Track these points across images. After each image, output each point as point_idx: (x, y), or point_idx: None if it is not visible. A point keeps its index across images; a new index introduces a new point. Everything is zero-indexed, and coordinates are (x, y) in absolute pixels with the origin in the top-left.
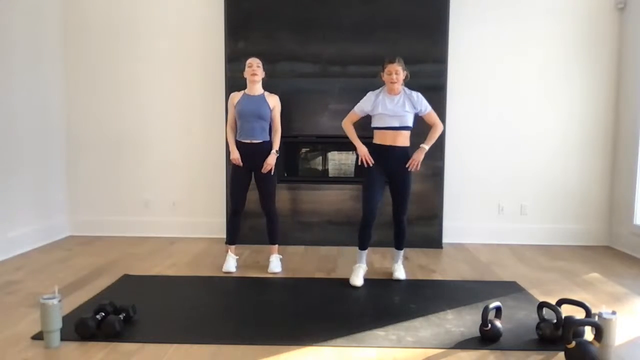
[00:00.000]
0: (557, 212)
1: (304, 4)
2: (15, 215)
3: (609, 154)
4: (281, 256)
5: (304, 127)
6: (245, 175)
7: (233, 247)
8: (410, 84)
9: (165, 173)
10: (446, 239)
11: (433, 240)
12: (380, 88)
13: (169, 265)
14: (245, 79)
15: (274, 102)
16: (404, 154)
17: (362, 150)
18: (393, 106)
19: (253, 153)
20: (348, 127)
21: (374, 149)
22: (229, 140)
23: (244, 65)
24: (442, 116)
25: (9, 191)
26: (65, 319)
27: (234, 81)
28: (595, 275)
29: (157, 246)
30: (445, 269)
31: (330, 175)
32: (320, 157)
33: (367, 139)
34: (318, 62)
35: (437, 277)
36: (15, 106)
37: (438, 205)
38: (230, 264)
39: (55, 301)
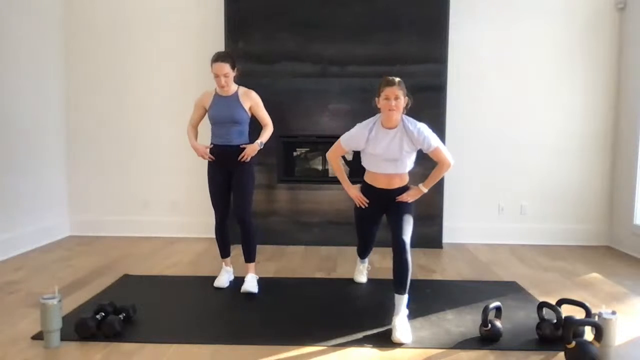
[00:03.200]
0: (557, 212)
1: (304, 4)
2: (15, 215)
3: (609, 154)
4: (258, 277)
5: (304, 127)
6: (223, 174)
7: (228, 259)
8: (410, 84)
9: (165, 173)
10: (446, 239)
11: (433, 240)
12: (374, 118)
13: (169, 265)
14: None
15: (249, 101)
16: (402, 193)
17: (352, 192)
18: (387, 144)
19: (229, 155)
20: (335, 161)
21: (366, 188)
22: (189, 137)
23: (244, 66)
24: (442, 116)
25: (8, 191)
26: (65, 319)
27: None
28: (595, 275)
29: (157, 246)
30: (445, 269)
31: (330, 175)
32: (320, 157)
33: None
34: (318, 62)
35: (437, 277)
36: (15, 105)
37: (438, 205)
38: (224, 279)
39: (55, 301)
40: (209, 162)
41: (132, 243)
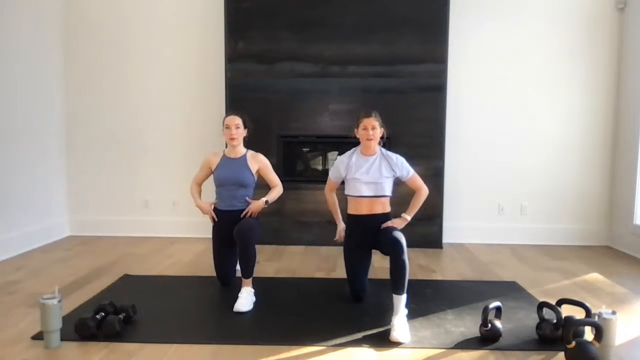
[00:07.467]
0: (557, 212)
1: (304, 4)
2: (16, 215)
3: (609, 154)
4: (254, 290)
5: (304, 127)
6: (226, 235)
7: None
8: (410, 84)
9: (165, 173)
10: (446, 239)
11: (433, 240)
12: (353, 149)
13: (169, 265)
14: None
15: (257, 163)
16: (385, 221)
17: (339, 227)
18: (367, 169)
19: (234, 219)
20: (330, 197)
21: (350, 221)
22: (193, 196)
23: (244, 66)
24: (442, 116)
25: (8, 191)
26: (65, 319)
27: (234, 81)
28: (595, 275)
29: (157, 246)
30: (445, 269)
31: None
32: (320, 157)
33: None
34: (318, 62)
35: (437, 277)
36: (15, 106)
37: (438, 205)
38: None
39: (55, 301)
40: (213, 223)
41: (132, 243)
